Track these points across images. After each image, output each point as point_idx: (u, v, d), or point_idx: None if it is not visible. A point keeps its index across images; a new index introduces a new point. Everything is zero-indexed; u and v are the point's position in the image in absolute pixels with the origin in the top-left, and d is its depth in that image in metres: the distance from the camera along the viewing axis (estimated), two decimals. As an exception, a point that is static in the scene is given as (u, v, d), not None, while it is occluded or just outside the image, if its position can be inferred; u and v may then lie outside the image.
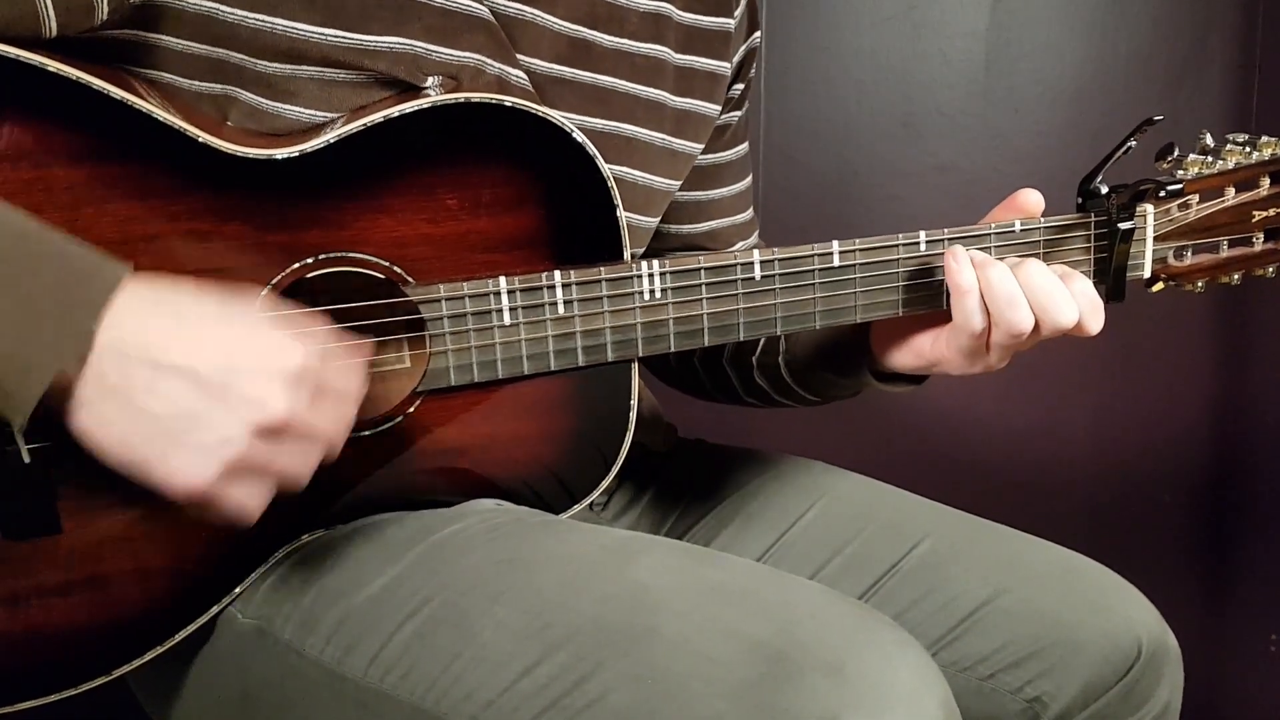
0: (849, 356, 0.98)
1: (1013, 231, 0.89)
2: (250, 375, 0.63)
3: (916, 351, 0.92)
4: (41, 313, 0.60)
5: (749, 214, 1.13)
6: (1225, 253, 0.97)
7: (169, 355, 0.62)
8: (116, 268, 0.63)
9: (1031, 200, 0.91)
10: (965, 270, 0.85)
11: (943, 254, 0.88)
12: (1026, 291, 0.84)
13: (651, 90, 0.95)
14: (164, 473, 0.63)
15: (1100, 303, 0.88)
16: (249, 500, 0.65)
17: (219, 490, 0.64)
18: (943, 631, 0.93)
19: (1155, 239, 0.94)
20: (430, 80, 0.81)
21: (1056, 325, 0.85)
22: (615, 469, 0.87)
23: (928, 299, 0.90)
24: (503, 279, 0.80)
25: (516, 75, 0.86)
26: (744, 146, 1.10)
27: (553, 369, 0.83)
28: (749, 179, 1.12)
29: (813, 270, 0.87)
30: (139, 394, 0.62)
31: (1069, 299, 0.85)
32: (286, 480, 0.67)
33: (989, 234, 0.89)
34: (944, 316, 0.89)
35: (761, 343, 1.05)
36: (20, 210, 0.63)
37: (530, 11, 0.86)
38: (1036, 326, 0.85)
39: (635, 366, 0.86)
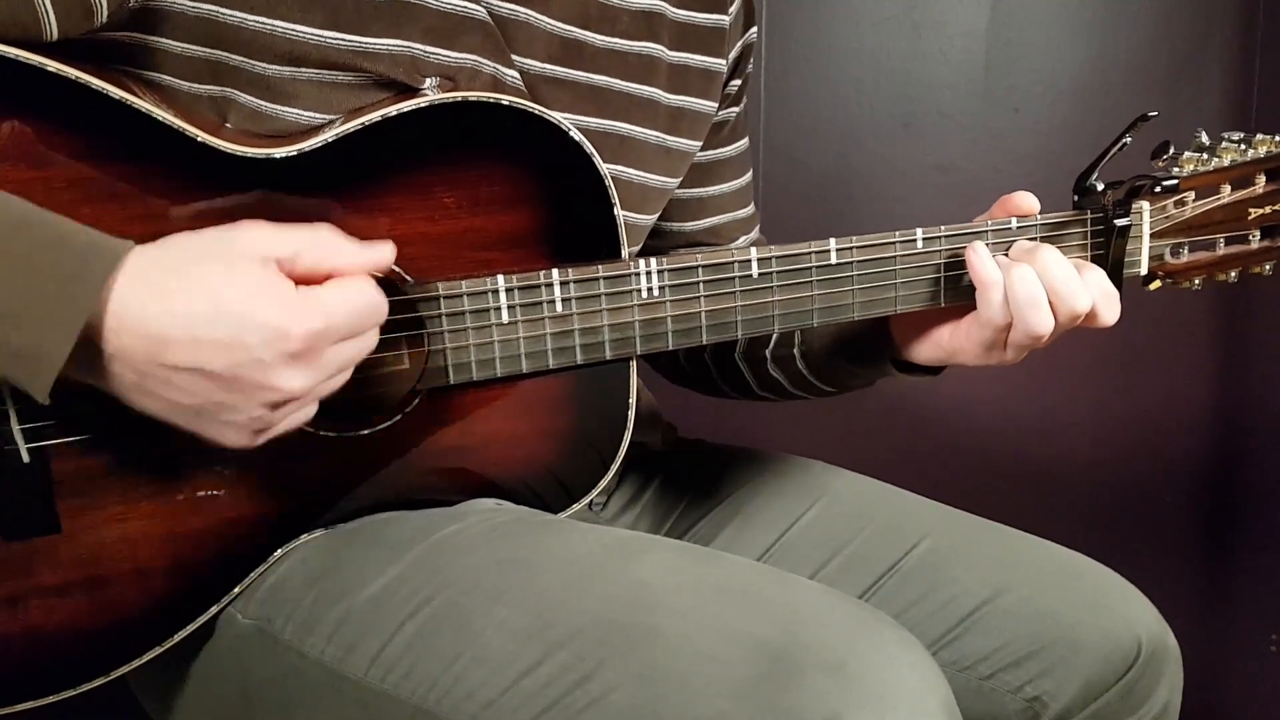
0: (870, 347, 0.97)
1: (1009, 229, 0.89)
2: (255, 366, 0.66)
3: (936, 342, 0.93)
4: (40, 300, 0.62)
5: (750, 209, 1.13)
6: (1222, 250, 0.97)
7: (174, 358, 0.65)
8: (112, 250, 0.64)
9: (1026, 203, 0.91)
10: (988, 264, 0.86)
11: (938, 251, 0.88)
12: (1044, 280, 0.85)
13: (645, 88, 0.95)
14: (212, 439, 0.69)
15: (1115, 292, 0.88)
16: (301, 420, 0.71)
17: (269, 436, 0.70)
18: (943, 631, 0.93)
19: (1152, 236, 0.94)
20: (428, 81, 0.81)
21: (1072, 311, 0.85)
22: (614, 468, 0.87)
23: (928, 296, 0.90)
24: (500, 277, 0.80)
25: (511, 75, 0.86)
26: (744, 142, 1.10)
27: (551, 367, 0.83)
28: (749, 175, 1.12)
29: (810, 268, 0.87)
30: (161, 389, 0.66)
31: (1083, 287, 0.85)
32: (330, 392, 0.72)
33: (985, 231, 0.89)
34: (964, 309, 0.90)
35: (775, 336, 1.05)
36: (15, 199, 0.64)
37: (525, 12, 0.86)
38: (1054, 318, 0.85)
39: (634, 365, 0.86)
